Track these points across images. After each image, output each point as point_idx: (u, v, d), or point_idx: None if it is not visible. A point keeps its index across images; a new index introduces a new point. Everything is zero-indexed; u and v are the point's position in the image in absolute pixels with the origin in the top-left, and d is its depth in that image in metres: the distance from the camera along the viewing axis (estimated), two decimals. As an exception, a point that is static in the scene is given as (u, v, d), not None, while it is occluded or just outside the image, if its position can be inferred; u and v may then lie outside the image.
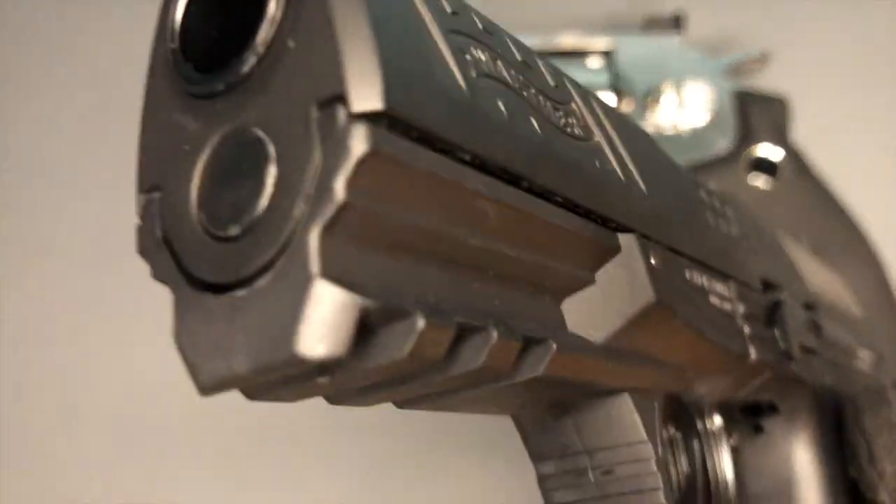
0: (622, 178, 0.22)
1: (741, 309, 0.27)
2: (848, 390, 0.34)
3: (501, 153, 0.17)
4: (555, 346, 0.19)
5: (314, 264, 0.14)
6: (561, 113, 0.21)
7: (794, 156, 0.50)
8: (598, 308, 0.21)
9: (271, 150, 0.15)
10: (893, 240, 0.51)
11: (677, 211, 0.25)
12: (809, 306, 0.35)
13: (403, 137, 0.15)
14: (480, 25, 0.20)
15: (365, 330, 0.15)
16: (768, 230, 0.36)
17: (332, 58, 0.15)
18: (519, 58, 0.21)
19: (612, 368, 0.22)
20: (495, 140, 0.17)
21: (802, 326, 0.32)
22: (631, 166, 0.23)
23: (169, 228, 0.17)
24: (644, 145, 0.25)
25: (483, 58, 0.18)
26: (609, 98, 0.50)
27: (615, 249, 0.21)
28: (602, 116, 0.23)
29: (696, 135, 0.51)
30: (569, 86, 0.22)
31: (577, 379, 0.21)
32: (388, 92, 0.14)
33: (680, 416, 0.27)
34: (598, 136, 0.22)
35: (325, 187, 0.14)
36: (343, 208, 0.14)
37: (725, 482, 0.29)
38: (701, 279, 0.25)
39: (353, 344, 0.14)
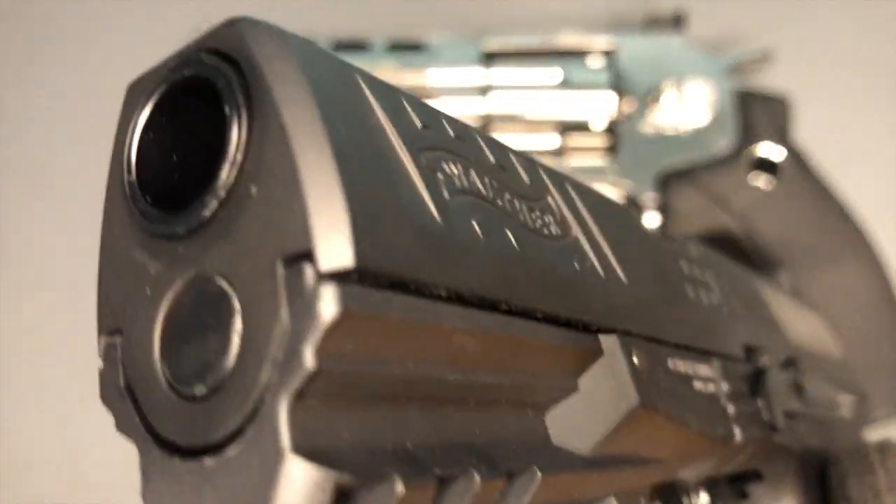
0: (602, 273, 0.21)
1: (725, 388, 0.27)
2: (831, 452, 0.34)
3: (477, 281, 0.17)
4: (539, 475, 0.18)
5: (284, 438, 0.13)
6: (537, 213, 0.20)
7: (795, 155, 0.50)
8: (582, 416, 0.21)
9: (236, 304, 0.14)
10: (894, 239, 0.51)
11: (658, 295, 0.25)
12: (790, 362, 0.34)
13: (375, 288, 0.14)
14: (452, 133, 0.19)
15: (343, 498, 0.14)
16: (748, 284, 0.35)
17: (297, 211, 0.14)
18: (493, 160, 0.20)
19: (599, 479, 0.21)
20: (471, 268, 0.17)
21: (786, 391, 0.32)
22: (610, 256, 0.22)
23: (132, 378, 0.16)
24: (622, 223, 0.25)
25: (455, 171, 0.18)
26: (610, 97, 0.50)
27: (597, 353, 0.21)
28: (578, 203, 0.22)
29: (697, 134, 0.51)
30: (544, 177, 0.22)
31: (564, 497, 0.20)
32: (359, 247, 0.14)
33: (667, 495, 0.26)
34: (575, 230, 0.21)
35: (293, 353, 0.13)
36: (313, 377, 0.13)
37: None
38: (684, 366, 0.25)
39: None
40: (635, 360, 0.21)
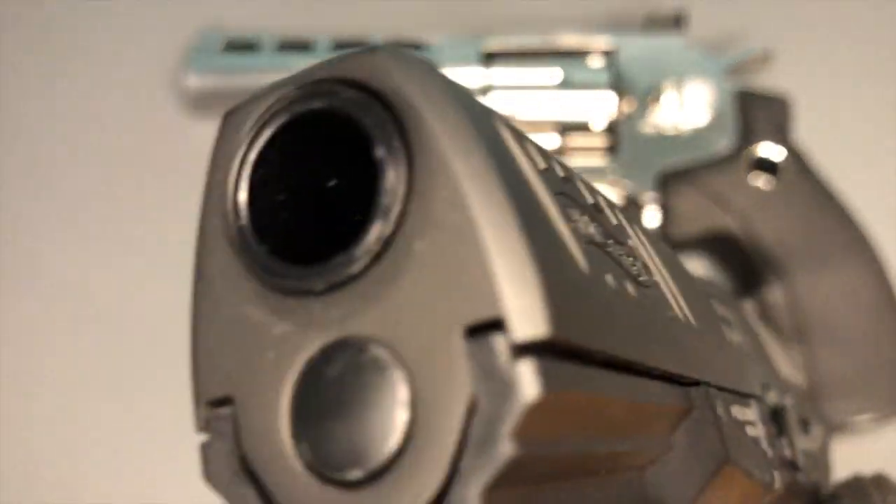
0: (682, 321, 0.20)
1: (763, 431, 0.25)
2: (832, 489, 0.33)
3: (623, 343, 0.15)
4: None
5: None
6: (631, 259, 0.18)
7: (795, 155, 0.50)
8: (675, 475, 0.19)
9: (399, 375, 0.12)
10: (894, 239, 0.51)
11: (715, 340, 0.24)
12: (785, 395, 0.34)
13: (567, 362, 0.13)
14: (561, 174, 0.17)
15: None
16: (747, 320, 0.35)
17: (481, 273, 0.12)
18: (590, 200, 0.18)
19: None
20: (617, 329, 0.15)
21: (798, 427, 0.31)
22: (681, 300, 0.21)
23: (252, 455, 0.14)
24: (675, 263, 0.23)
25: (577, 218, 0.16)
26: (610, 97, 0.50)
27: (691, 408, 0.19)
28: (647, 243, 0.21)
29: (697, 134, 0.51)
30: (620, 216, 0.20)
31: None
32: (552, 314, 0.12)
33: None
34: (655, 274, 0.20)
35: (488, 438, 0.12)
36: (511, 464, 0.12)
37: None
38: (739, 412, 0.23)
39: None
40: (719, 412, 0.20)
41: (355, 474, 0.12)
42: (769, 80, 0.54)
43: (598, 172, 0.50)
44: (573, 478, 0.15)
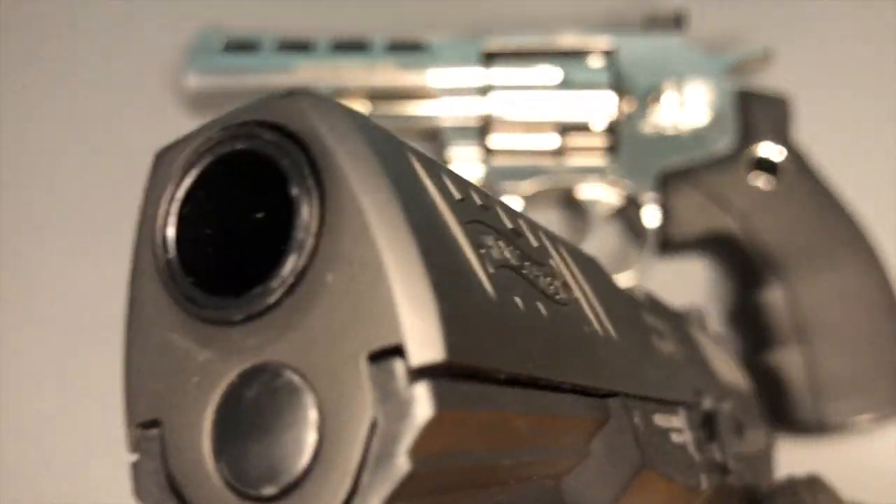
0: (601, 335, 0.21)
1: (689, 437, 0.27)
2: (764, 490, 0.34)
3: (529, 360, 0.16)
4: None
5: None
6: (549, 278, 0.20)
7: (795, 155, 0.50)
8: (591, 482, 0.20)
9: (310, 399, 0.13)
10: (894, 239, 0.51)
11: (637, 351, 0.25)
12: (723, 400, 0.35)
13: (462, 382, 0.14)
14: (479, 202, 0.18)
15: None
16: (683, 326, 0.35)
17: (384, 303, 0.13)
18: (509, 225, 0.19)
19: None
20: (523, 347, 0.16)
21: (731, 432, 0.32)
22: (602, 315, 0.22)
23: (178, 475, 0.14)
24: (599, 277, 0.25)
25: (490, 243, 0.17)
26: (610, 97, 0.50)
27: (607, 418, 0.20)
28: (570, 262, 0.22)
29: (697, 134, 0.51)
30: (543, 238, 0.21)
31: None
32: (449, 340, 0.13)
33: None
34: (575, 291, 0.21)
35: (386, 456, 0.13)
36: (407, 480, 0.13)
37: None
38: (662, 420, 0.25)
39: None
40: (636, 421, 0.21)
41: (269, 490, 0.13)
42: (769, 80, 0.54)
43: (598, 172, 0.50)
44: (480, 487, 0.16)
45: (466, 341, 0.14)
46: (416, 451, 0.13)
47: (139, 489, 0.15)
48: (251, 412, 0.14)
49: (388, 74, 0.51)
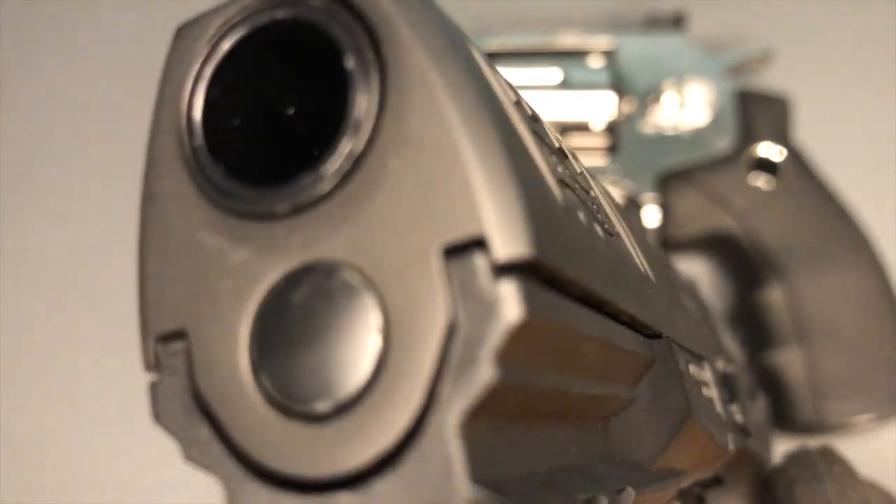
0: (643, 273, 0.19)
1: (716, 394, 0.25)
2: (769, 460, 0.33)
3: (599, 279, 0.14)
4: (633, 493, 0.16)
5: (459, 467, 0.11)
6: (595, 206, 0.18)
7: (795, 155, 0.50)
8: (640, 429, 0.18)
9: (372, 301, 0.12)
10: (894, 240, 0.51)
11: (672, 299, 0.23)
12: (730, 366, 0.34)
13: (544, 288, 0.12)
14: (530, 112, 0.16)
15: None
16: (694, 289, 0.34)
17: (462, 191, 0.11)
18: (556, 144, 0.17)
19: (661, 496, 0.19)
20: (592, 265, 0.14)
21: (748, 396, 0.30)
22: (641, 256, 0.20)
23: (207, 392, 0.13)
24: (636, 221, 0.23)
25: (549, 156, 0.15)
26: (610, 97, 0.50)
27: (654, 360, 0.19)
28: (609, 197, 0.20)
29: (697, 134, 0.51)
30: (582, 167, 0.19)
31: None
32: (536, 234, 0.11)
33: None
34: (617, 226, 0.19)
35: (469, 363, 0.11)
36: (494, 389, 0.11)
37: None
38: (696, 371, 0.23)
39: None
40: (681, 367, 0.19)
41: (322, 406, 0.11)
42: (769, 80, 0.54)
43: (598, 172, 0.50)
44: (544, 418, 0.15)
45: (549, 242, 0.12)
46: (503, 358, 0.11)
47: (160, 412, 0.13)
48: (299, 318, 0.12)
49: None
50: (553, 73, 0.50)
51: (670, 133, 0.51)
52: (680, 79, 0.51)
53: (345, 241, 0.12)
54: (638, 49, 0.52)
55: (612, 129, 0.50)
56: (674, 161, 0.50)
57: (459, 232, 0.11)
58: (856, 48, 0.56)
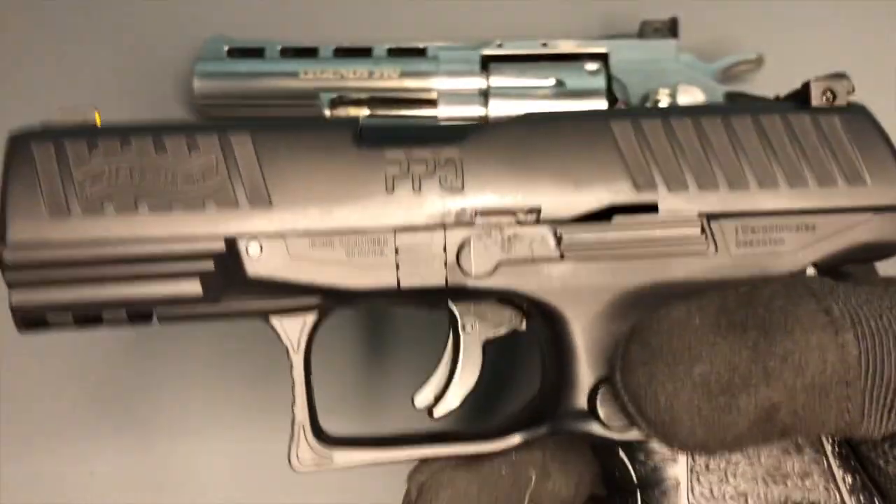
0: None
1: None
2: None
3: None
4: None
5: None
6: None
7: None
8: None
9: None
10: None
11: None
12: None
13: None
14: None
15: None
16: None
17: None
18: None
19: None
20: None
21: None
22: None
23: None
24: None
25: None
26: (604, 103, 0.51)
27: None
28: None
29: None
30: None
31: None
32: None
33: None
34: None
35: None
36: None
37: None
38: None
39: None
40: None
41: None
42: (761, 86, 0.54)
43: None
44: None
45: None
46: None
47: None
48: None
49: (392, 81, 0.52)
50: (549, 80, 0.52)
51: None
52: (674, 84, 0.52)
53: None
54: (632, 55, 0.53)
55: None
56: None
57: None
58: (846, 53, 0.57)
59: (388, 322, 0.51)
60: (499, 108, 0.51)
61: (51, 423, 0.51)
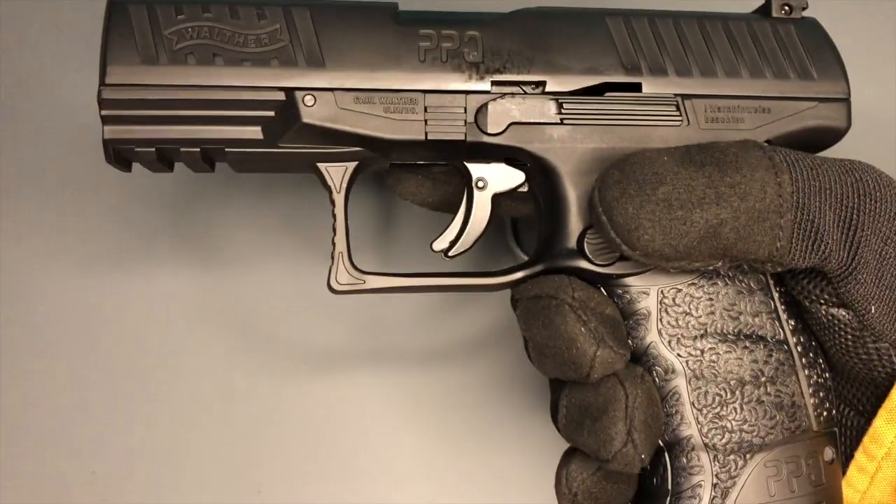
0: None
1: None
2: None
3: None
4: None
5: None
6: None
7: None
8: None
9: None
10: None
11: None
12: None
13: None
14: None
15: None
16: None
17: None
18: None
19: None
20: None
21: None
22: None
23: None
24: None
25: None
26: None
27: None
28: None
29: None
30: None
31: None
32: None
33: None
34: None
35: None
36: None
37: None
38: None
39: None
40: None
41: None
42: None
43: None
44: None
45: None
46: None
47: None
48: None
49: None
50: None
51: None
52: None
53: None
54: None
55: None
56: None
57: None
58: (849, 49, 0.51)
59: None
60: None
61: (51, 422, 0.53)
